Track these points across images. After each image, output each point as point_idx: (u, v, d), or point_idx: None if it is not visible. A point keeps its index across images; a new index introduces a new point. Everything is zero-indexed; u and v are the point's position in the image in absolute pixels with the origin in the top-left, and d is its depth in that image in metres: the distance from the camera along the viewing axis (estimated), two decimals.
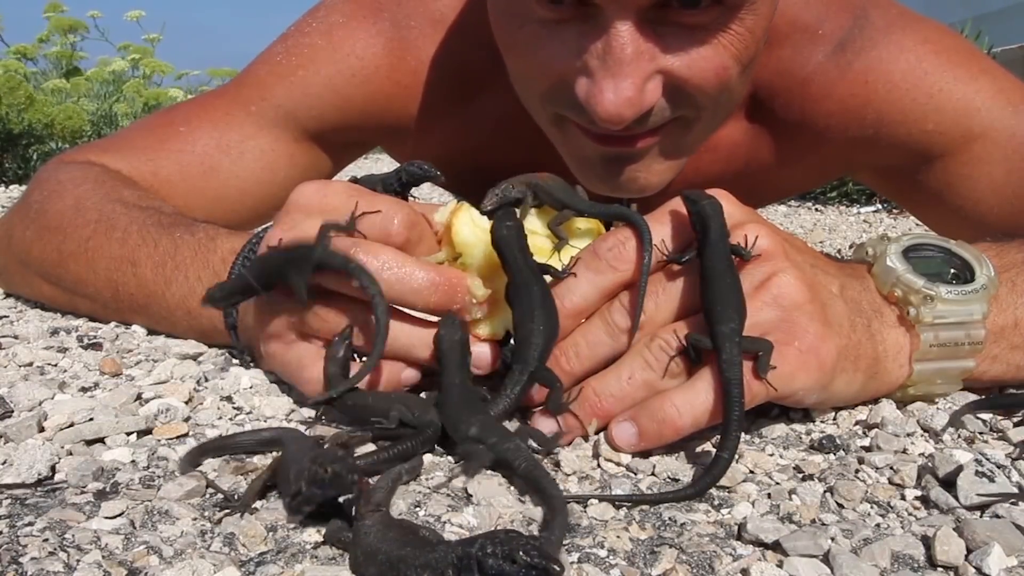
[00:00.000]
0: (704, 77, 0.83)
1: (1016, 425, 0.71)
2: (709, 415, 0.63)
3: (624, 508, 0.58)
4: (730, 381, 0.61)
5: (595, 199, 0.77)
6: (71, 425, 0.69)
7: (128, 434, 0.68)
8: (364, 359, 0.70)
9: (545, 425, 0.66)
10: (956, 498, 0.58)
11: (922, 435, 0.70)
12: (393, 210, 0.71)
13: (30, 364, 0.85)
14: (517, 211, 0.74)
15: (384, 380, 0.71)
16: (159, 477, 0.61)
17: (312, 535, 0.53)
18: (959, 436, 0.70)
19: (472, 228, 0.73)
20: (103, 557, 0.50)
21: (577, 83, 0.83)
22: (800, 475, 0.63)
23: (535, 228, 0.75)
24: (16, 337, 0.94)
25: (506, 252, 0.68)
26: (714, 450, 0.62)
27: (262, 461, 0.64)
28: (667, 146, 0.91)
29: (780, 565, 0.50)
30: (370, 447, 0.65)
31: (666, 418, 0.63)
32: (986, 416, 0.72)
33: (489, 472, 0.62)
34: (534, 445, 0.64)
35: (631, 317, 0.67)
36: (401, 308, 0.71)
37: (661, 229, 0.69)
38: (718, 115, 0.92)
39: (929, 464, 0.62)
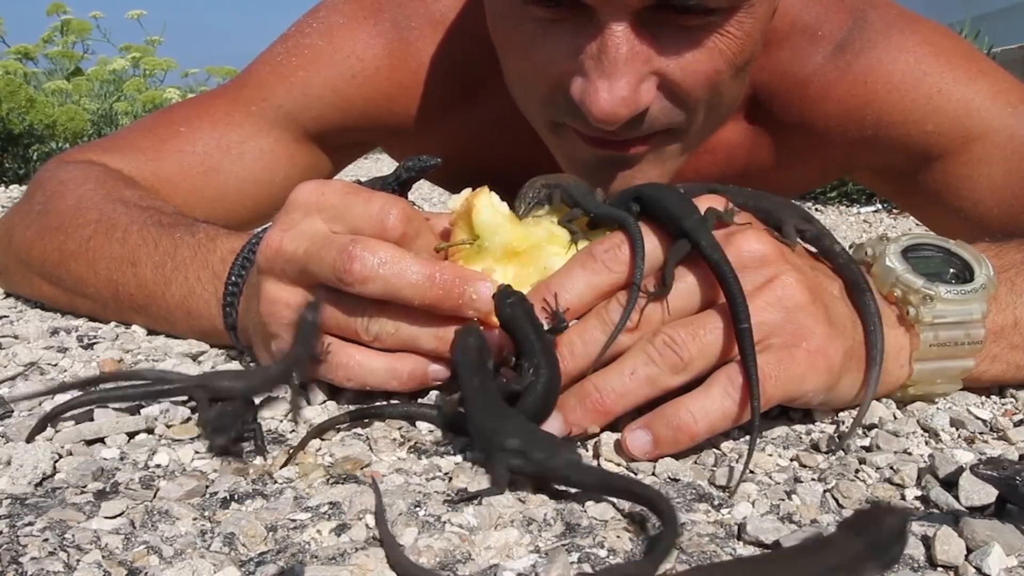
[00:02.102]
0: (696, 80, 0.83)
1: (1016, 425, 0.71)
2: (725, 421, 0.63)
3: (624, 507, 0.57)
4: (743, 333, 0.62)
5: None
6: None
7: (129, 434, 0.68)
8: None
9: (552, 425, 0.66)
10: (956, 498, 0.58)
11: (922, 435, 0.70)
12: (388, 205, 0.71)
13: (30, 364, 0.85)
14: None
15: (408, 376, 0.71)
16: (159, 477, 0.61)
17: (312, 535, 0.53)
18: (959, 436, 0.70)
19: (492, 212, 0.73)
20: (103, 557, 0.50)
21: (572, 83, 0.83)
22: (800, 475, 0.63)
23: (544, 221, 0.76)
24: (16, 337, 0.94)
25: (517, 330, 0.66)
26: (715, 451, 0.62)
27: (262, 463, 0.64)
28: (660, 152, 0.91)
29: None
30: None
31: (681, 424, 0.62)
32: (986, 416, 0.73)
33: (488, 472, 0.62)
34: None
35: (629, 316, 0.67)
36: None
37: (653, 238, 0.68)
38: (712, 120, 0.92)
39: (929, 464, 0.62)
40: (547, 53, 0.84)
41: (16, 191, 2.82)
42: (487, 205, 0.73)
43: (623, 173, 0.91)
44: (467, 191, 0.76)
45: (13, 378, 0.81)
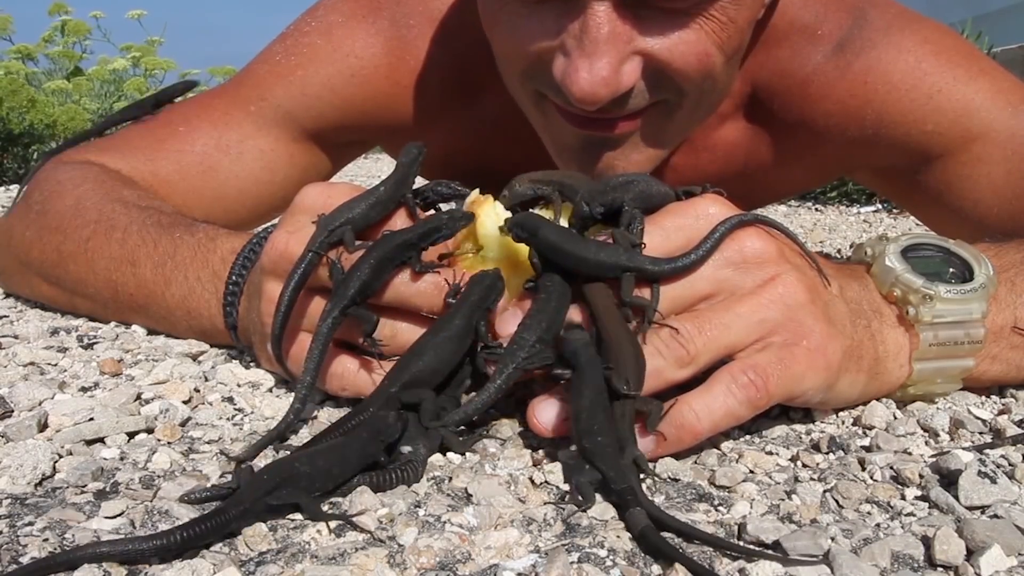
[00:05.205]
0: (686, 61, 0.84)
1: (1016, 424, 0.71)
2: (728, 419, 0.63)
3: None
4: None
5: None
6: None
7: (129, 434, 0.68)
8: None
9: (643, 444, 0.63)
10: (956, 498, 0.58)
11: (922, 435, 0.70)
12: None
13: (30, 364, 0.85)
14: (543, 212, 0.75)
15: None
16: (159, 477, 0.61)
17: (312, 535, 0.53)
18: (959, 436, 0.70)
19: (495, 221, 0.73)
20: None
21: (554, 62, 0.84)
22: (800, 475, 0.63)
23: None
24: (16, 337, 0.94)
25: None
26: (716, 450, 0.62)
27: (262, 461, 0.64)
28: (647, 134, 0.91)
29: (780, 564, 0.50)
30: None
31: (684, 423, 0.62)
32: (986, 416, 0.73)
33: (489, 471, 0.62)
34: None
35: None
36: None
37: (658, 232, 0.68)
38: (701, 106, 0.92)
39: (929, 464, 0.62)
40: (530, 32, 0.84)
41: (16, 191, 2.82)
42: (490, 215, 0.73)
43: (608, 154, 0.92)
44: (473, 193, 0.76)
45: None
